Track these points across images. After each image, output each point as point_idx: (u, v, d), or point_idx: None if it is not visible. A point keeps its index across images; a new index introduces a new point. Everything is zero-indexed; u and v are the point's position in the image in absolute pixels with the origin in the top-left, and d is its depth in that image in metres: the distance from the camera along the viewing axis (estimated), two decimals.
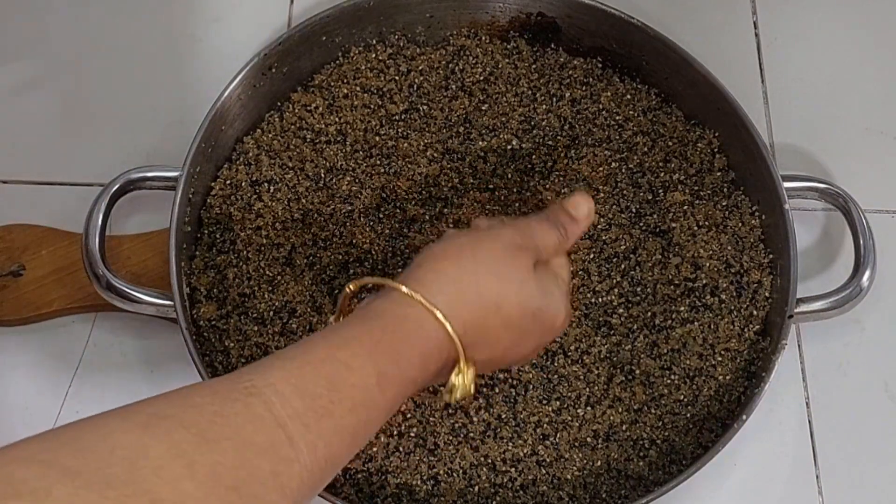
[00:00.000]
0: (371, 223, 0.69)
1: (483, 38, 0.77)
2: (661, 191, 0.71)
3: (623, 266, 0.68)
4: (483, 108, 0.74)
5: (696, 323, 0.66)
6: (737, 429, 0.60)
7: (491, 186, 0.71)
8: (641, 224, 0.70)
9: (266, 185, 0.69)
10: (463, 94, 0.74)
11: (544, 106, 0.74)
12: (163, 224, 0.67)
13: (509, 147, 0.72)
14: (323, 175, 0.70)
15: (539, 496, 0.61)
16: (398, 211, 0.70)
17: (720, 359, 0.65)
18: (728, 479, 0.66)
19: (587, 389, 0.64)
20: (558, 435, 0.62)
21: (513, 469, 0.62)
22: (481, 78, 0.75)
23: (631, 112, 0.74)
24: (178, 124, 0.77)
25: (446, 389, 0.50)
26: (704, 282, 0.67)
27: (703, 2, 0.86)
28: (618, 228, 0.69)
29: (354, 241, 0.68)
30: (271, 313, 0.65)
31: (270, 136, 0.72)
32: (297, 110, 0.73)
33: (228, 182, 0.70)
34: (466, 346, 0.49)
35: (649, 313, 0.66)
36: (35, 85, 0.80)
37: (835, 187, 0.70)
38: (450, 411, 0.62)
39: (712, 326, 0.66)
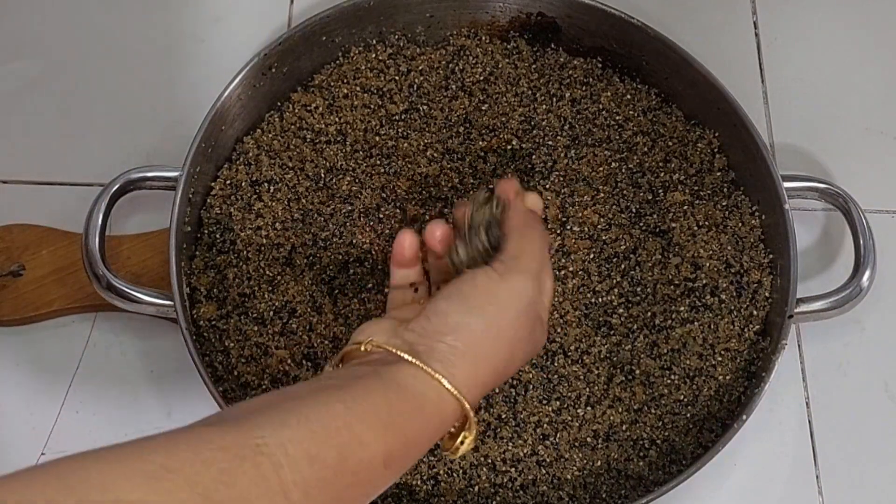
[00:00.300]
0: (371, 223, 0.69)
1: (483, 38, 0.77)
2: (661, 191, 0.71)
3: (623, 266, 0.68)
4: (483, 108, 0.74)
5: (696, 323, 0.66)
6: (737, 429, 0.60)
7: (491, 187, 0.71)
8: (641, 224, 0.70)
9: (266, 185, 0.69)
10: (463, 94, 0.74)
11: (544, 106, 0.74)
12: (163, 224, 0.67)
13: (509, 147, 0.72)
14: (323, 175, 0.70)
15: (539, 496, 0.61)
16: (398, 211, 0.70)
17: (720, 359, 0.65)
18: (728, 479, 0.66)
19: (587, 389, 0.64)
20: (558, 435, 0.62)
21: (513, 469, 0.62)
22: (481, 78, 0.75)
23: (631, 112, 0.74)
24: (178, 124, 0.77)
25: (451, 451, 0.50)
26: (704, 282, 0.67)
27: (703, 2, 0.86)
28: (618, 228, 0.69)
29: (354, 241, 0.68)
30: (271, 313, 0.65)
31: (270, 136, 0.72)
32: (297, 110, 0.73)
33: (228, 182, 0.70)
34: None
35: (649, 313, 0.66)
36: (35, 85, 0.80)
37: (835, 187, 0.70)
38: None
39: (712, 326, 0.66)
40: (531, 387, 0.64)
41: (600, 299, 0.67)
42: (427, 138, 0.72)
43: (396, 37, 0.76)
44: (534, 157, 0.72)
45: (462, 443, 0.49)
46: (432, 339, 0.48)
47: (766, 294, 0.67)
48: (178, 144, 0.69)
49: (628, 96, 0.75)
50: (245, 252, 0.67)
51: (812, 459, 0.67)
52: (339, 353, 0.51)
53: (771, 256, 0.68)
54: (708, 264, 0.68)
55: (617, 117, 0.74)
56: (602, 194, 0.71)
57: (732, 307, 0.66)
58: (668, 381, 0.64)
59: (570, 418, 0.63)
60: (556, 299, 0.66)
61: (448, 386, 0.47)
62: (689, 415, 0.64)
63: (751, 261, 0.68)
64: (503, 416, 0.63)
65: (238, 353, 0.64)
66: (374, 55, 0.75)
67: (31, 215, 0.72)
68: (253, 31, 0.82)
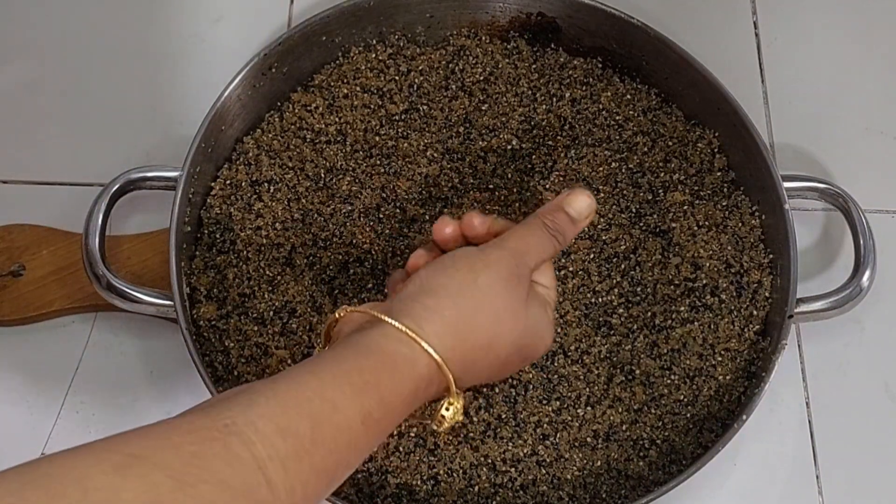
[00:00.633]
0: (371, 223, 0.69)
1: (483, 38, 0.77)
2: (661, 191, 0.71)
3: (623, 266, 0.68)
4: (483, 108, 0.74)
5: (696, 323, 0.66)
6: (737, 429, 0.60)
7: (491, 186, 0.71)
8: (641, 224, 0.70)
9: (266, 185, 0.70)
10: (463, 94, 0.74)
11: (544, 106, 0.74)
12: (163, 224, 0.67)
13: (509, 147, 0.72)
14: (323, 175, 0.70)
15: (539, 496, 0.61)
16: (398, 211, 0.70)
17: (720, 359, 0.65)
18: (728, 479, 0.66)
19: (587, 389, 0.64)
20: (558, 435, 0.62)
21: (513, 469, 0.62)
22: (481, 78, 0.75)
23: (631, 112, 0.74)
24: (178, 124, 0.77)
25: (435, 421, 0.50)
26: (704, 282, 0.67)
27: (703, 2, 0.86)
28: (618, 228, 0.69)
29: (354, 241, 0.68)
30: (271, 313, 0.65)
31: (270, 136, 0.72)
32: (297, 110, 0.73)
33: (228, 182, 0.70)
34: (455, 379, 0.48)
35: (649, 313, 0.67)
36: (35, 85, 0.80)
37: (835, 187, 0.70)
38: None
39: (712, 326, 0.66)
40: (531, 387, 0.64)
41: (600, 299, 0.67)
42: (427, 138, 0.72)
43: (396, 37, 0.76)
44: (534, 157, 0.72)
45: (447, 409, 0.49)
46: (403, 302, 0.49)
47: (766, 294, 0.67)
48: (178, 144, 0.69)
49: (628, 96, 0.75)
50: (245, 252, 0.67)
51: (812, 459, 0.67)
52: (322, 333, 0.52)
53: (771, 256, 0.68)
54: (708, 264, 0.68)
55: (617, 117, 0.74)
56: (602, 194, 0.71)
57: (732, 307, 0.66)
58: (668, 381, 0.64)
59: (570, 418, 0.63)
60: (557, 299, 0.66)
61: (415, 336, 0.46)
62: (689, 415, 0.64)
63: (751, 261, 0.68)
64: (503, 416, 0.63)
65: (238, 353, 0.64)
66: (374, 55, 0.75)
67: (31, 215, 0.72)
68: (253, 31, 0.82)
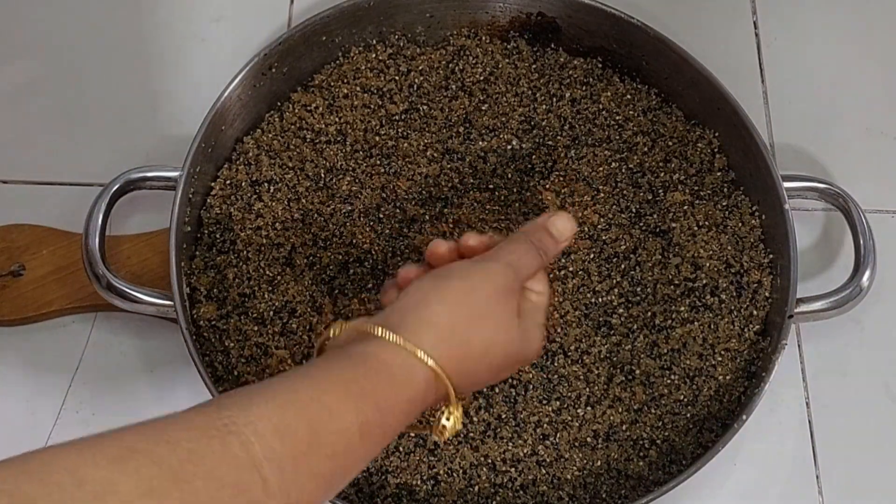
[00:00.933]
0: (371, 223, 0.69)
1: (483, 38, 0.77)
2: (661, 191, 0.71)
3: (623, 266, 0.68)
4: (483, 108, 0.74)
5: (696, 323, 0.66)
6: (737, 429, 0.60)
7: (491, 186, 0.71)
8: (641, 224, 0.70)
9: (266, 185, 0.69)
10: (463, 94, 0.74)
11: (544, 106, 0.74)
12: (163, 224, 0.67)
13: (509, 147, 0.72)
14: (323, 175, 0.70)
15: (539, 496, 0.61)
16: (398, 211, 0.70)
17: (720, 359, 0.65)
18: (728, 479, 0.66)
19: (587, 389, 0.64)
20: (558, 435, 0.62)
21: (513, 469, 0.61)
22: (481, 78, 0.75)
23: (631, 112, 0.74)
24: (178, 124, 0.77)
25: (436, 431, 0.50)
26: (704, 282, 0.67)
27: (703, 2, 0.86)
28: (618, 228, 0.69)
29: (354, 241, 0.68)
30: (271, 313, 0.65)
31: (270, 136, 0.72)
32: (297, 110, 0.73)
33: (228, 182, 0.70)
34: (454, 387, 0.48)
35: (649, 313, 0.67)
36: (35, 85, 0.80)
37: (835, 187, 0.70)
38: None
39: (712, 326, 0.66)
40: (531, 387, 0.64)
41: (600, 299, 0.67)
42: (427, 138, 0.72)
43: (396, 37, 0.76)
44: (534, 157, 0.72)
45: (448, 419, 0.49)
46: (400, 314, 0.49)
47: (766, 294, 0.67)
48: (178, 144, 0.69)
49: (628, 96, 0.75)
50: (245, 252, 0.67)
51: (812, 459, 0.67)
52: (316, 345, 0.52)
53: (771, 256, 0.68)
54: (708, 264, 0.68)
55: (617, 117, 0.74)
56: (602, 194, 0.71)
57: (732, 307, 0.66)
58: (668, 381, 0.64)
59: (570, 418, 0.63)
60: (557, 299, 0.66)
61: (411, 348, 0.47)
62: (689, 415, 0.64)
63: (751, 261, 0.68)
64: (503, 416, 0.63)
65: (238, 353, 0.64)
66: (374, 55, 0.75)
67: (31, 215, 0.72)
68: (253, 31, 0.82)
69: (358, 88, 0.74)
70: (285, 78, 0.73)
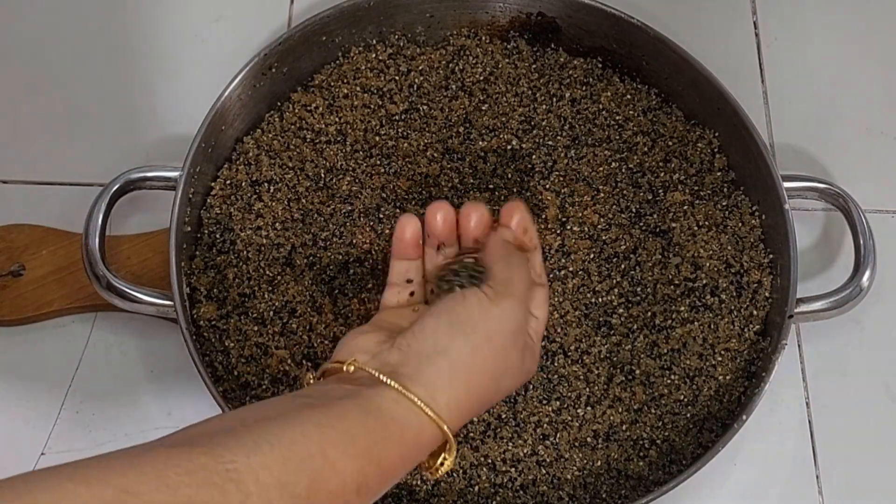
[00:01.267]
0: (371, 223, 0.69)
1: (483, 38, 0.77)
2: (661, 191, 0.71)
3: (623, 266, 0.68)
4: (483, 108, 0.74)
5: (696, 323, 0.66)
6: (737, 429, 0.60)
7: (491, 186, 0.71)
8: (641, 224, 0.70)
9: (266, 185, 0.69)
10: (463, 94, 0.74)
11: (544, 106, 0.74)
12: (163, 224, 0.67)
13: (509, 147, 0.72)
14: (323, 175, 0.70)
15: (539, 496, 0.61)
16: (398, 211, 0.70)
17: (720, 359, 0.65)
18: (728, 479, 0.66)
19: (587, 389, 0.64)
20: (558, 435, 0.62)
21: (513, 469, 0.61)
22: (481, 78, 0.75)
23: (631, 112, 0.74)
24: (178, 124, 0.77)
25: (430, 470, 0.49)
26: (704, 282, 0.67)
27: (703, 2, 0.86)
28: (618, 228, 0.69)
29: (354, 241, 0.68)
30: (271, 313, 0.65)
31: (270, 136, 0.72)
32: (297, 110, 0.73)
33: (228, 182, 0.70)
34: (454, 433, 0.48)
35: (649, 313, 0.67)
36: (35, 85, 0.80)
37: (835, 187, 0.70)
38: None
39: (712, 326, 0.66)
40: (531, 387, 0.64)
41: (600, 299, 0.67)
42: (427, 138, 0.72)
43: (396, 37, 0.76)
44: (534, 157, 0.72)
45: (442, 464, 0.48)
46: (417, 361, 0.47)
47: (766, 294, 0.67)
48: (178, 144, 0.69)
49: (628, 96, 0.75)
50: (245, 252, 0.67)
51: (812, 459, 0.67)
52: (321, 369, 0.50)
53: (771, 256, 0.68)
54: (708, 264, 0.68)
55: (617, 117, 0.74)
56: (602, 194, 0.71)
57: (732, 307, 0.66)
58: (668, 381, 0.64)
59: (570, 418, 0.63)
60: (556, 299, 0.66)
61: (430, 413, 0.46)
62: (689, 415, 0.64)
63: (751, 261, 0.68)
64: (503, 416, 0.63)
65: (238, 353, 0.64)
66: (374, 55, 0.75)
67: (31, 215, 0.72)
68: (253, 31, 0.82)
69: (358, 88, 0.74)
70: (285, 78, 0.73)
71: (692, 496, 0.65)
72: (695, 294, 0.67)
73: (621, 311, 0.67)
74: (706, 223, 0.69)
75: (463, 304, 0.50)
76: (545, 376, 0.64)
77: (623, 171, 0.72)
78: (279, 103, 0.73)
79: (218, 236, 0.68)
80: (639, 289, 0.67)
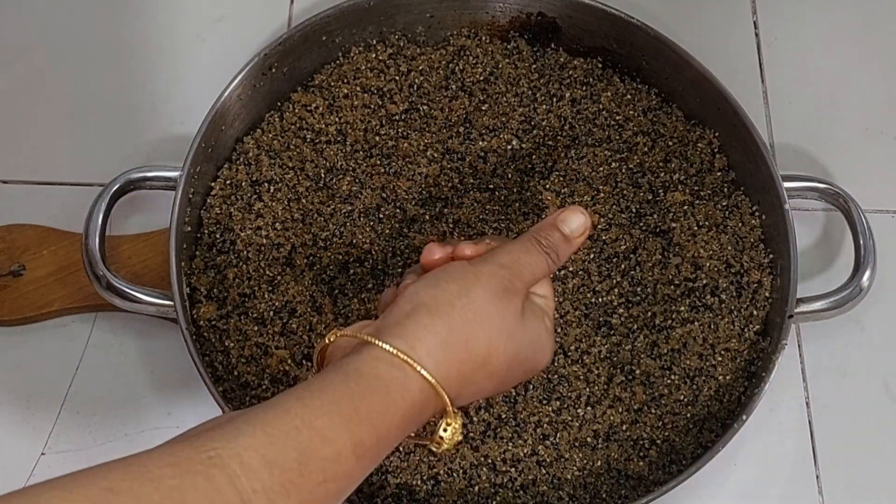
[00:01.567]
0: (371, 223, 0.69)
1: (483, 38, 0.77)
2: (661, 191, 0.71)
3: (623, 266, 0.68)
4: (483, 108, 0.74)
5: (696, 323, 0.66)
6: (737, 429, 0.60)
7: (491, 186, 0.71)
8: (641, 224, 0.70)
9: (266, 185, 0.70)
10: (463, 94, 0.74)
11: (544, 106, 0.74)
12: (163, 224, 0.67)
13: (509, 147, 0.72)
14: (323, 175, 0.70)
15: (539, 496, 0.61)
16: (398, 211, 0.70)
17: (720, 359, 0.65)
18: (728, 479, 0.66)
19: (587, 389, 0.64)
20: (558, 435, 0.62)
21: (513, 469, 0.62)
22: (481, 78, 0.75)
23: (631, 112, 0.74)
24: (178, 124, 0.77)
25: (433, 443, 0.49)
26: (704, 282, 0.67)
27: (703, 2, 0.86)
28: (618, 228, 0.69)
29: (354, 241, 0.68)
30: (271, 313, 0.65)
31: (270, 136, 0.72)
32: (297, 110, 0.73)
33: (228, 182, 0.70)
34: (452, 398, 0.47)
35: (649, 313, 0.67)
36: (35, 85, 0.80)
37: (835, 187, 0.70)
38: None
39: (712, 326, 0.66)
40: (531, 387, 0.64)
41: (600, 299, 0.67)
42: (427, 138, 0.72)
43: (396, 37, 0.76)
44: (534, 157, 0.72)
45: (445, 430, 0.48)
46: (396, 320, 0.47)
47: (766, 294, 0.67)
48: (178, 144, 0.69)
49: (628, 96, 0.75)
50: (245, 252, 0.67)
51: (812, 459, 0.67)
52: (315, 358, 0.51)
53: (771, 256, 0.68)
54: (708, 264, 0.68)
55: (617, 117, 0.74)
56: (602, 194, 0.71)
57: (732, 307, 0.66)
58: (668, 381, 0.64)
59: (570, 418, 0.63)
60: (557, 299, 0.66)
61: (409, 360, 0.45)
62: (689, 415, 0.64)
63: (751, 261, 0.68)
64: (503, 416, 0.63)
65: (238, 353, 0.64)
66: (374, 55, 0.75)
67: (31, 215, 0.72)
68: (253, 31, 0.82)
69: (358, 88, 0.74)
70: (285, 78, 0.73)
71: (692, 496, 0.65)
72: (695, 294, 0.67)
73: (621, 311, 0.67)
74: (706, 223, 0.69)
75: (442, 270, 0.51)
76: (545, 376, 0.64)
77: (623, 171, 0.72)
78: (279, 103, 0.73)
79: (218, 236, 0.68)
80: (639, 289, 0.67)
